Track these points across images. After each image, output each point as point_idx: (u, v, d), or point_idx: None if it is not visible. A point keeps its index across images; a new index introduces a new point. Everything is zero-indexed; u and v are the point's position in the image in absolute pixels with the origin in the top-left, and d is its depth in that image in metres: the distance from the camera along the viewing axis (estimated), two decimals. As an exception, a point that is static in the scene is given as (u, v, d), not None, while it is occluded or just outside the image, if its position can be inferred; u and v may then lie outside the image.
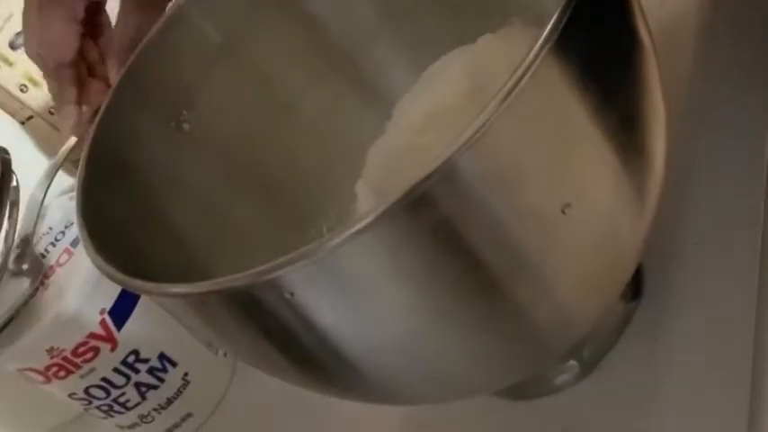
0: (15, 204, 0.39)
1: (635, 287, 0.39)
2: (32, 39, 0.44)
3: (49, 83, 0.45)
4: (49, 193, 0.50)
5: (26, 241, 0.46)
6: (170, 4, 0.42)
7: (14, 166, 0.47)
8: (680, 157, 0.35)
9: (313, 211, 0.42)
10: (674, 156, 0.33)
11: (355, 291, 0.28)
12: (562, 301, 0.30)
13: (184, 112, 0.41)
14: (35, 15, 0.43)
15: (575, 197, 0.29)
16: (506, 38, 0.38)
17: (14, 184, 0.38)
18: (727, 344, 0.35)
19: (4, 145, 0.51)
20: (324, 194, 0.43)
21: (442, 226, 0.27)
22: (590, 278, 0.31)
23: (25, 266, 0.47)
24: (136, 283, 0.30)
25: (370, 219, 0.26)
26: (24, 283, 0.47)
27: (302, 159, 0.42)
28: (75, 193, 0.51)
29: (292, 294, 0.27)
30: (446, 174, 0.26)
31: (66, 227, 0.50)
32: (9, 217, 0.38)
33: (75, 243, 0.49)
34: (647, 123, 0.32)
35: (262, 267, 0.26)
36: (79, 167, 0.37)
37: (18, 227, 0.43)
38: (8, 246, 0.38)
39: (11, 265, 0.45)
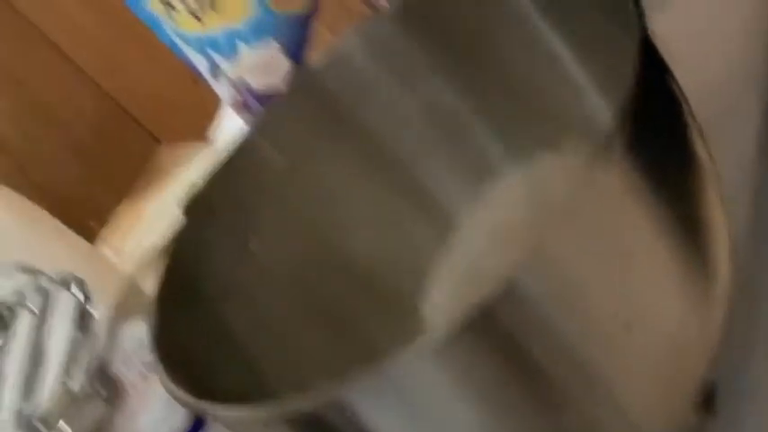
0: (92, 334, 0.40)
1: (706, 402, 0.38)
2: None
3: None
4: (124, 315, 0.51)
5: (101, 364, 0.47)
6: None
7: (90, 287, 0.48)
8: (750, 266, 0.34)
9: (377, 329, 0.42)
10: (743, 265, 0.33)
11: (421, 410, 0.28)
12: (628, 418, 0.30)
13: (253, 235, 0.42)
14: None
15: (637, 313, 0.29)
16: (564, 152, 0.38)
17: (93, 311, 0.39)
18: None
19: (77, 266, 0.53)
20: (390, 310, 0.43)
21: (506, 345, 0.27)
22: (656, 395, 0.31)
23: (100, 389, 0.48)
24: (204, 406, 0.31)
25: (434, 339, 0.26)
26: (99, 407, 0.47)
27: (366, 278, 0.43)
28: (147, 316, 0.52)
29: (357, 414, 0.27)
30: (507, 293, 0.26)
31: (139, 349, 0.51)
32: (88, 344, 0.39)
33: (148, 366, 0.50)
34: (709, 233, 0.31)
35: (327, 388, 0.27)
36: (152, 293, 0.38)
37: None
38: (89, 374, 0.39)
39: (87, 387, 0.46)
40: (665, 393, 0.31)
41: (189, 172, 0.78)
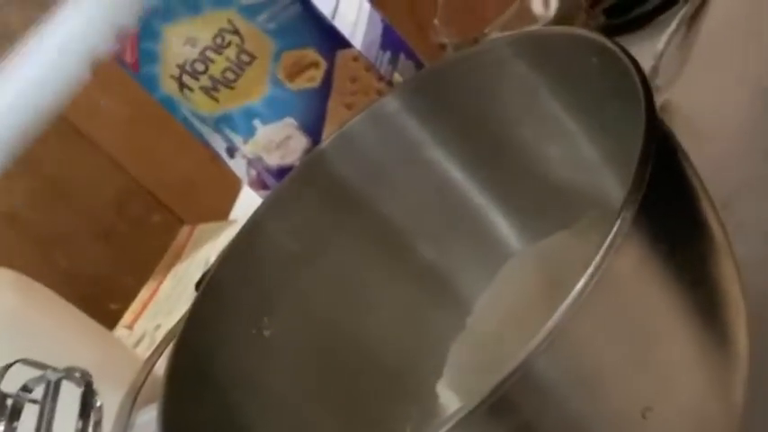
0: (99, 424, 0.40)
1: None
2: None
3: None
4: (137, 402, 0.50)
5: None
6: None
7: (103, 373, 0.47)
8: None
9: (395, 412, 0.41)
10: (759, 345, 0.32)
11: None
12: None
13: (265, 318, 0.42)
14: None
15: (656, 400, 0.28)
16: (579, 234, 0.38)
17: (98, 404, 0.39)
18: None
19: (93, 354, 0.53)
20: (405, 394, 0.42)
21: (523, 429, 0.27)
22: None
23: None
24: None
25: (449, 426, 0.25)
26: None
27: (383, 360, 0.42)
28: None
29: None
30: (522, 377, 0.26)
31: (154, 436, 0.50)
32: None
33: (163, 453, 0.49)
34: (727, 308, 0.31)
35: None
36: (162, 380, 0.38)
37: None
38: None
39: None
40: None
41: (208, 251, 0.78)
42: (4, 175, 0.95)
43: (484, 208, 0.42)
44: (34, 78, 0.31)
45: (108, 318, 0.80)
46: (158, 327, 0.75)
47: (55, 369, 0.38)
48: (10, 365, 0.38)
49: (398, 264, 0.43)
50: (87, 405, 0.39)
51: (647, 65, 0.52)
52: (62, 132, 0.97)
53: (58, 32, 0.32)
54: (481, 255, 0.42)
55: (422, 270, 0.43)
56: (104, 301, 0.94)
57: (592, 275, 0.27)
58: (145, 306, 0.81)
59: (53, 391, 0.38)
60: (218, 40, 0.63)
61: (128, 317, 0.83)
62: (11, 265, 0.58)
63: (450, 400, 0.40)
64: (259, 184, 0.75)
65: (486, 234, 0.42)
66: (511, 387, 0.26)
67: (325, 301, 0.43)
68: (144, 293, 0.84)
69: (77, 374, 0.39)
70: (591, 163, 0.38)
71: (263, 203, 0.42)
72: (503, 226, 0.42)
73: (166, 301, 0.79)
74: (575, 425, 0.28)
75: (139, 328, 0.78)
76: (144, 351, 0.71)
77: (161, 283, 0.83)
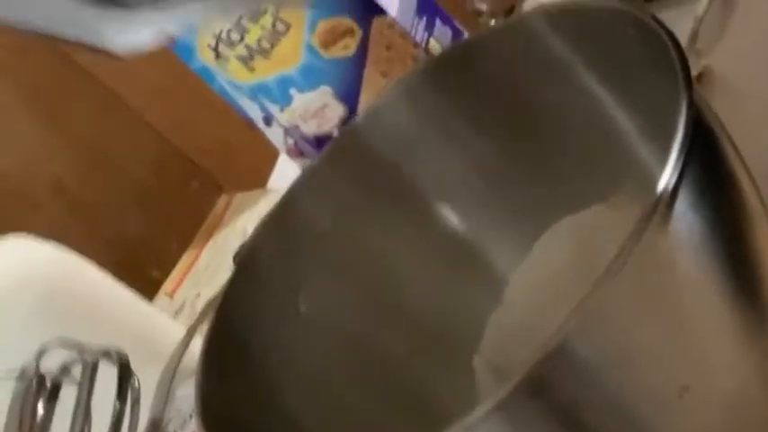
0: (137, 402, 0.40)
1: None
2: None
3: None
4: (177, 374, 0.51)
5: (156, 426, 0.47)
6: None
7: (143, 346, 0.48)
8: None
9: (429, 388, 0.41)
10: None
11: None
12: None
13: (301, 293, 0.42)
14: None
15: (693, 379, 0.28)
16: (615, 207, 0.37)
17: (135, 384, 0.40)
18: None
19: (131, 324, 0.53)
20: (442, 368, 0.42)
21: (559, 408, 0.27)
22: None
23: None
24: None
25: (485, 408, 0.25)
26: (154, 469, 0.47)
27: (419, 335, 0.42)
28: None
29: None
30: (558, 356, 0.26)
31: (193, 410, 0.50)
32: (131, 416, 0.39)
33: (202, 425, 0.50)
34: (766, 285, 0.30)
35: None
36: (199, 355, 0.38)
37: (145, 413, 0.44)
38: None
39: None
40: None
41: (246, 220, 0.78)
42: (46, 144, 0.96)
43: (518, 181, 0.42)
44: None
45: (149, 284, 0.81)
46: (198, 296, 0.75)
47: (92, 350, 0.39)
48: (47, 348, 0.38)
49: (433, 238, 0.43)
50: (124, 386, 0.39)
51: (687, 28, 0.51)
52: (102, 100, 0.98)
53: None
54: (516, 228, 0.42)
55: (457, 244, 0.43)
56: (146, 268, 0.95)
57: (629, 251, 0.26)
58: (185, 274, 0.82)
59: (91, 371, 0.39)
60: (254, 9, 0.63)
61: (168, 284, 0.83)
62: (53, 232, 0.59)
63: (486, 374, 0.40)
64: (296, 153, 0.75)
65: (522, 207, 0.42)
66: (548, 366, 0.26)
67: (360, 275, 0.43)
68: (184, 261, 0.84)
69: (114, 355, 0.39)
70: (627, 136, 0.37)
71: (296, 180, 0.42)
72: (538, 199, 0.42)
73: (206, 270, 0.79)
74: (610, 404, 0.27)
75: (179, 296, 0.79)
76: (185, 319, 0.72)
77: (201, 251, 0.83)
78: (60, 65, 0.96)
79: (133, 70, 0.98)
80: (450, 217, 0.43)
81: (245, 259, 0.41)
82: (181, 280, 0.81)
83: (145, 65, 0.99)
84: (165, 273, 0.90)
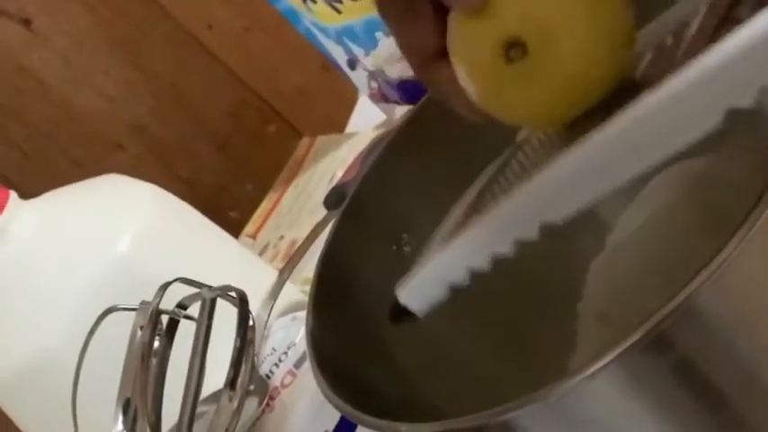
0: (252, 342, 0.41)
1: None
2: None
3: None
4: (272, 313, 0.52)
5: (252, 363, 0.48)
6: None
7: (235, 284, 0.48)
8: None
9: (534, 334, 0.41)
10: None
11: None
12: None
13: (405, 235, 0.42)
14: None
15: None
16: (728, 159, 0.36)
17: (251, 323, 0.40)
18: None
19: (223, 262, 0.54)
20: (545, 316, 0.42)
21: (682, 364, 0.27)
22: None
23: (252, 387, 0.49)
24: (369, 420, 0.30)
25: (604, 361, 0.25)
26: (252, 405, 0.48)
27: (523, 281, 0.42)
28: (296, 314, 0.53)
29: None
30: (685, 311, 0.25)
31: (288, 348, 0.51)
32: (248, 351, 0.40)
33: (297, 364, 0.50)
34: None
35: (496, 409, 0.26)
36: (309, 295, 0.38)
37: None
38: (243, 386, 0.39)
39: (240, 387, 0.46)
40: None
41: (329, 164, 0.79)
42: (128, 86, 0.97)
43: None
44: None
45: (229, 225, 0.81)
46: (281, 237, 0.76)
47: (210, 287, 0.39)
48: (169, 283, 0.39)
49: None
50: (244, 323, 0.39)
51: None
52: (180, 43, 0.98)
53: None
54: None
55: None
56: (224, 210, 0.96)
57: (763, 209, 0.26)
58: (267, 217, 0.82)
59: (209, 308, 0.39)
60: (344, -50, 0.63)
61: (250, 227, 0.84)
62: (139, 174, 0.60)
63: (591, 321, 0.40)
64: (380, 97, 0.75)
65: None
66: (670, 323, 0.25)
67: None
68: (266, 204, 0.85)
69: (233, 293, 0.40)
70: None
71: (399, 126, 0.42)
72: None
73: (288, 213, 0.80)
74: (737, 359, 0.27)
75: (263, 238, 0.80)
76: (268, 260, 0.73)
77: (282, 194, 0.84)
78: (142, 7, 0.96)
79: (214, 13, 0.99)
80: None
81: (351, 203, 0.42)
82: (263, 222, 0.82)
83: (226, 7, 0.99)
84: (243, 214, 0.91)
